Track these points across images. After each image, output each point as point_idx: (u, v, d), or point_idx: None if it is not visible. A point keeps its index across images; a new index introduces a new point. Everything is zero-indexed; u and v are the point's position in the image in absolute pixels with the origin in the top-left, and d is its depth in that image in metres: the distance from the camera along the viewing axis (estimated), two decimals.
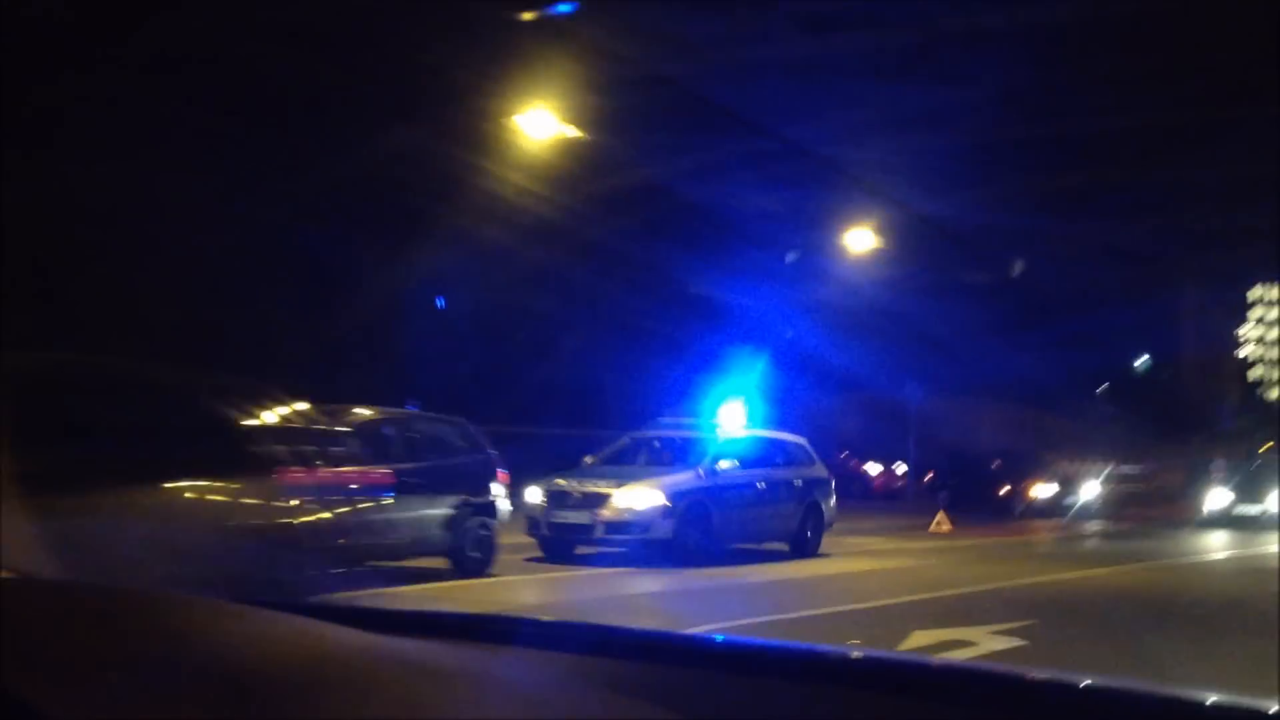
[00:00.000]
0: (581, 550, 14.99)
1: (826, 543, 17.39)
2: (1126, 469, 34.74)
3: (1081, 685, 1.51)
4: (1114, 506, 30.27)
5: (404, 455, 11.94)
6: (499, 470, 13.25)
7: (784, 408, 32.65)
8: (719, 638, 2.09)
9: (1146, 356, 54.63)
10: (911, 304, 32.97)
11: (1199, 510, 26.66)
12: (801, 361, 31.83)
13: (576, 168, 17.97)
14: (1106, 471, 32.73)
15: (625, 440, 16.98)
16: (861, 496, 34.13)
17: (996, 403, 39.06)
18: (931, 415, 36.13)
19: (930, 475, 35.79)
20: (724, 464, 15.93)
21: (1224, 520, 25.65)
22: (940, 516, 22.06)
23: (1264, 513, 25.54)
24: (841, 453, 36.93)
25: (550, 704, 1.44)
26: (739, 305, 26.09)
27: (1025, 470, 32.45)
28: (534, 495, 15.07)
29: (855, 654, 1.87)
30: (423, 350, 19.64)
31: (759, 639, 2.80)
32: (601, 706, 1.49)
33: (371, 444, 11.61)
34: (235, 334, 17.48)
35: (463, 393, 19.20)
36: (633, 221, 21.36)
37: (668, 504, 14.80)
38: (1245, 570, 17.49)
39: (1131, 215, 35.58)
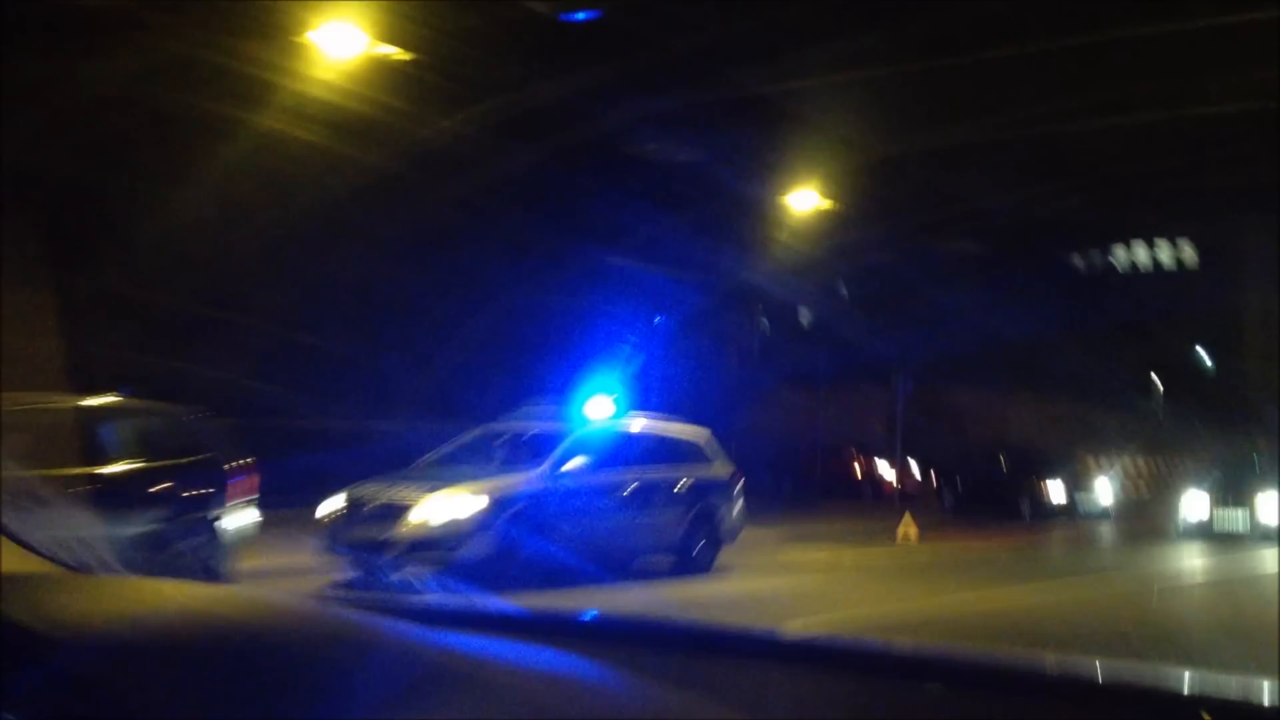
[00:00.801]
0: (399, 575, 12.30)
1: (744, 554, 14.67)
2: (1156, 468, 31.52)
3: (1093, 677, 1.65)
4: (1131, 508, 27.18)
5: (67, 459, 9.26)
6: (238, 477, 10.54)
7: (760, 400, 29.95)
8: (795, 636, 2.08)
9: (1205, 349, 50.71)
10: (927, 283, 29.47)
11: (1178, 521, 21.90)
12: (777, 348, 28.87)
13: (420, 103, 15.02)
14: (1129, 470, 29.54)
15: (467, 437, 14.13)
16: (874, 498, 31.48)
17: (1035, 397, 36.05)
18: (959, 411, 33.69)
19: (930, 475, 32.84)
20: (577, 462, 13.09)
21: (1202, 531, 21.16)
22: (906, 523, 19.03)
23: (1249, 526, 20.98)
24: (848, 451, 34.33)
25: (623, 699, 1.40)
26: (665, 279, 22.79)
27: (1047, 469, 29.12)
28: (332, 507, 12.41)
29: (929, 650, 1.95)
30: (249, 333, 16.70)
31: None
32: (670, 702, 1.46)
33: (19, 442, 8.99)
34: None
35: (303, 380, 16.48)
36: (517, 170, 18.04)
37: (487, 514, 12.06)
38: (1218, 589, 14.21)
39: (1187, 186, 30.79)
